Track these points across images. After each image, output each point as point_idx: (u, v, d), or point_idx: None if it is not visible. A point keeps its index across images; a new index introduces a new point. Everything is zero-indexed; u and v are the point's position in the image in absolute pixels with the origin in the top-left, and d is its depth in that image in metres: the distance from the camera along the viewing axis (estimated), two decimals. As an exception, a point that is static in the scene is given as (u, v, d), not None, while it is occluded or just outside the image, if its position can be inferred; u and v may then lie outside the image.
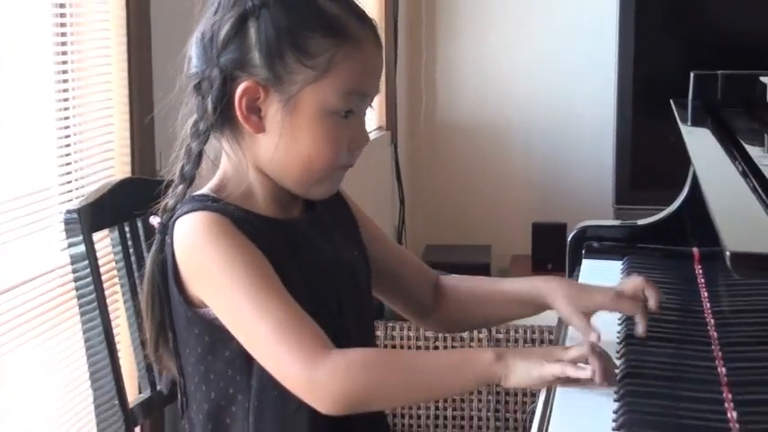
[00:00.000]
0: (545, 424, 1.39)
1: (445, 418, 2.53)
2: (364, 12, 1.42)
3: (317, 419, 1.36)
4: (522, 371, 1.34)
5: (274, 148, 1.38)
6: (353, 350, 1.35)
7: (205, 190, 1.42)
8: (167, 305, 1.40)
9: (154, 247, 1.40)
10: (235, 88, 1.36)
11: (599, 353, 1.36)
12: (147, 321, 1.42)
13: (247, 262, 1.33)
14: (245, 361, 1.37)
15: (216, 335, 1.37)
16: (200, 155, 1.40)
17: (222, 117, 1.38)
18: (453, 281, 1.70)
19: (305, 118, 1.37)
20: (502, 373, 1.34)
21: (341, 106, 1.38)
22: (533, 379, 1.36)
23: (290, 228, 1.43)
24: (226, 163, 1.43)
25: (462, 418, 2.52)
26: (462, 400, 2.51)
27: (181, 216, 1.36)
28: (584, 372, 1.34)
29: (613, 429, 1.34)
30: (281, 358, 1.31)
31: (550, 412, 1.42)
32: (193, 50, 1.40)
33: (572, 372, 1.34)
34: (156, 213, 1.42)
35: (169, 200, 1.40)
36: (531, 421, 1.44)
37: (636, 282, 1.58)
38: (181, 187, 1.39)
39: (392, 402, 2.02)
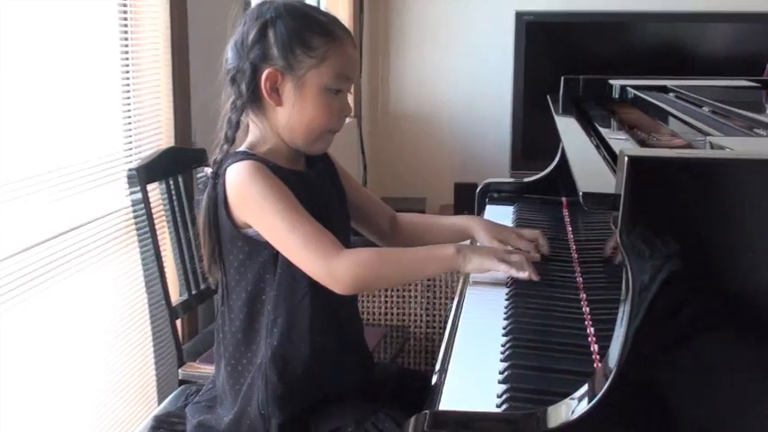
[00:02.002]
0: (459, 312, 1.40)
1: (392, 314, 2.54)
2: (342, 23, 1.43)
3: (314, 305, 1.38)
4: (477, 262, 1.39)
5: (288, 116, 1.38)
6: (360, 249, 1.37)
7: (242, 148, 1.41)
8: (217, 229, 1.39)
9: (208, 188, 1.39)
10: (260, 75, 1.36)
11: (528, 261, 1.42)
12: (204, 240, 1.40)
13: (280, 194, 1.33)
14: (272, 264, 1.37)
15: (253, 247, 1.37)
16: (237, 123, 1.39)
17: (252, 96, 1.37)
18: (407, 216, 1.72)
19: (309, 93, 1.37)
20: (461, 262, 1.38)
21: (333, 85, 1.38)
22: (484, 269, 1.41)
23: (301, 176, 1.42)
24: (254, 130, 1.42)
25: (404, 313, 2.52)
26: (404, 300, 2.52)
27: (230, 165, 1.36)
28: (522, 275, 1.40)
29: (504, 319, 1.35)
30: (309, 258, 1.33)
31: (462, 307, 1.44)
32: (229, 54, 1.40)
33: (514, 273, 1.41)
34: (209, 165, 1.42)
35: (217, 155, 1.39)
36: (449, 314, 1.45)
37: (535, 232, 1.61)
38: (225, 146, 1.39)
39: (386, 284, 2.14)
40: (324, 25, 1.38)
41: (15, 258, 1.57)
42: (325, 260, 1.32)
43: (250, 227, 1.36)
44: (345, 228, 1.53)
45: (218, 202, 1.37)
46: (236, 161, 1.36)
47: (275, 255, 1.36)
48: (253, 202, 1.34)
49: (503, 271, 1.41)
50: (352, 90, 1.47)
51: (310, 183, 1.42)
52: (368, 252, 1.38)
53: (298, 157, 1.45)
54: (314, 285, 1.36)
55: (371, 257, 1.37)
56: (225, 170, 1.36)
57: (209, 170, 1.42)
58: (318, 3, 2.76)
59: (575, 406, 0.93)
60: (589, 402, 0.91)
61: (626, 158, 0.90)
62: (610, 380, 0.91)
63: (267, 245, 1.36)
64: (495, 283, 1.48)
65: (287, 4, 1.39)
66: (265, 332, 1.38)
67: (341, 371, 1.44)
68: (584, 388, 0.95)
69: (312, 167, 1.47)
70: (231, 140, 1.39)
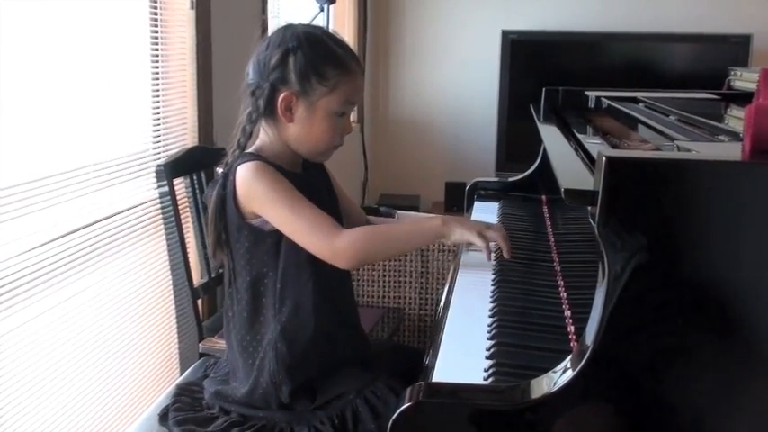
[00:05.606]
0: (450, 296, 1.39)
1: (389, 296, 2.51)
2: (356, 54, 1.42)
3: (316, 287, 1.38)
4: (459, 233, 1.41)
5: (298, 132, 1.39)
6: (357, 228, 1.38)
7: (250, 150, 1.41)
8: (223, 220, 1.39)
9: (218, 185, 1.39)
10: (278, 95, 1.36)
11: (502, 238, 1.44)
12: (211, 228, 1.40)
13: (285, 187, 1.34)
14: (275, 251, 1.37)
15: (257, 236, 1.37)
16: (251, 133, 1.39)
17: (266, 111, 1.37)
18: (377, 222, 1.69)
19: (318, 117, 1.37)
20: (447, 232, 1.41)
21: (339, 110, 1.38)
22: (465, 240, 1.43)
23: (300, 177, 1.42)
24: (263, 137, 1.42)
25: (399, 296, 2.49)
26: (399, 284, 2.49)
27: (241, 164, 1.36)
28: (488, 252, 1.44)
29: (490, 302, 1.35)
30: (314, 239, 1.33)
31: (452, 291, 1.43)
32: (250, 70, 1.39)
33: (486, 250, 1.43)
34: (220, 165, 1.43)
35: (229, 158, 1.39)
36: (441, 297, 1.45)
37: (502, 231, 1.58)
38: (238, 151, 1.39)
39: (383, 257, 2.09)
40: (339, 58, 1.37)
41: (56, 242, 1.56)
42: (329, 240, 1.33)
43: (256, 218, 1.36)
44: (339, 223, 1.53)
45: (227, 197, 1.37)
46: (245, 161, 1.36)
47: (277, 243, 1.37)
48: (262, 196, 1.34)
49: (479, 244, 1.41)
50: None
51: (307, 183, 1.43)
52: (365, 229, 1.39)
53: (297, 161, 1.46)
54: (316, 271, 1.37)
55: (368, 233, 1.39)
56: (235, 169, 1.36)
57: (220, 169, 1.42)
58: (327, 26, 2.74)
59: (556, 378, 0.93)
60: (568, 376, 0.91)
61: (604, 159, 0.89)
62: (587, 355, 0.90)
63: (270, 234, 1.36)
64: (483, 269, 1.48)
65: (307, 33, 1.38)
66: (273, 311, 1.39)
67: (339, 344, 1.44)
68: (564, 363, 0.94)
69: (308, 171, 1.48)
70: (243, 147, 1.39)
